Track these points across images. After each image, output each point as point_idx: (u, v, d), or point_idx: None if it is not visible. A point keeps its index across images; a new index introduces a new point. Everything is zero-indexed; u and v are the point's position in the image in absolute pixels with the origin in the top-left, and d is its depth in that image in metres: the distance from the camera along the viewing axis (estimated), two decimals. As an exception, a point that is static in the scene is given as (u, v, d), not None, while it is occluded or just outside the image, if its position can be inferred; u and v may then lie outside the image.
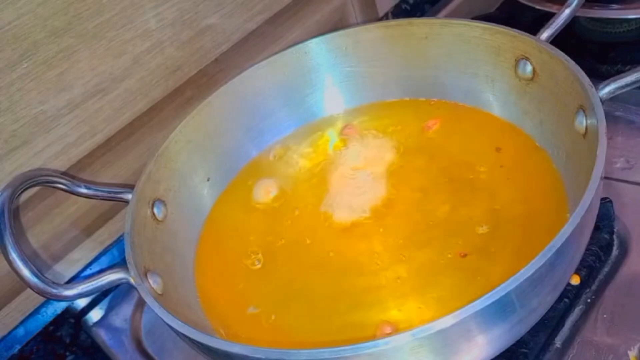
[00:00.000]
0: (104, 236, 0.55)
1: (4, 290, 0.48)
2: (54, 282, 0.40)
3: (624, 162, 0.54)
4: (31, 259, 0.40)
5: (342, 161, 0.57)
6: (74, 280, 0.53)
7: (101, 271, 0.42)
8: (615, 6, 0.62)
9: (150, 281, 0.43)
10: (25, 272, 0.39)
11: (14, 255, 0.39)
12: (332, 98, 0.61)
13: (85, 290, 0.41)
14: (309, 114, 0.61)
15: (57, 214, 0.50)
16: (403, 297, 0.44)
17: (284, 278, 0.49)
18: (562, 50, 0.47)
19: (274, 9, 0.61)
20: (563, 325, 0.44)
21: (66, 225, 0.52)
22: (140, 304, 0.55)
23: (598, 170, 0.37)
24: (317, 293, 0.47)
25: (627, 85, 0.42)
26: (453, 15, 0.79)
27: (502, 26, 0.52)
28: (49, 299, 0.47)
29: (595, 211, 0.39)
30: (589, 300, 0.45)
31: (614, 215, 0.48)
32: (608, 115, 0.40)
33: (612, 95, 0.42)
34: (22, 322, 0.51)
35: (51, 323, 0.52)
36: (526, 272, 0.32)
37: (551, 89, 0.49)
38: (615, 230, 0.48)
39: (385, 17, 0.74)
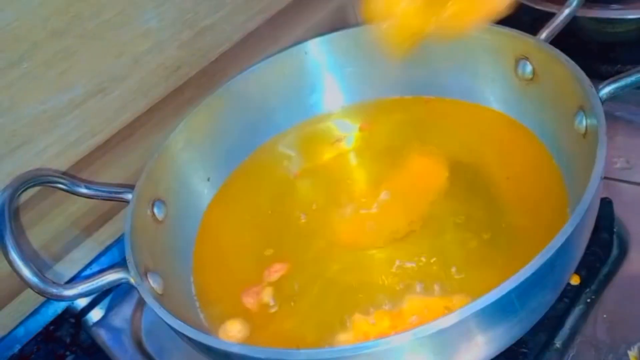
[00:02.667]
0: (104, 236, 0.55)
1: (4, 290, 0.49)
2: (54, 282, 0.40)
3: (623, 162, 0.54)
4: (31, 259, 0.40)
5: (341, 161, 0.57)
6: (74, 280, 0.53)
7: (101, 271, 0.42)
8: (615, 6, 0.62)
9: (151, 281, 0.43)
10: (26, 272, 0.39)
11: (14, 256, 0.39)
12: (332, 98, 0.61)
13: (85, 290, 0.41)
14: (309, 114, 0.61)
15: (57, 214, 0.51)
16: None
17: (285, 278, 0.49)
18: (562, 50, 0.47)
19: (274, 9, 0.61)
20: (563, 325, 0.44)
21: (66, 225, 0.52)
22: (141, 304, 0.55)
23: (598, 170, 0.37)
24: (320, 291, 0.47)
25: (627, 85, 0.42)
26: (453, 15, 0.79)
27: (502, 26, 0.52)
28: (49, 299, 0.47)
29: (595, 211, 0.39)
30: (588, 300, 0.45)
31: (614, 215, 0.48)
32: (608, 116, 0.40)
33: (612, 96, 0.42)
34: (22, 322, 0.51)
35: (51, 323, 0.52)
36: (526, 272, 0.32)
37: (551, 89, 0.49)
38: (615, 230, 0.48)
39: (385, 17, 0.74)
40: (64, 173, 0.50)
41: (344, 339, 0.42)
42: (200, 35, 0.55)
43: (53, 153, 0.49)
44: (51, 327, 0.52)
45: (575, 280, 0.45)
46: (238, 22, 0.58)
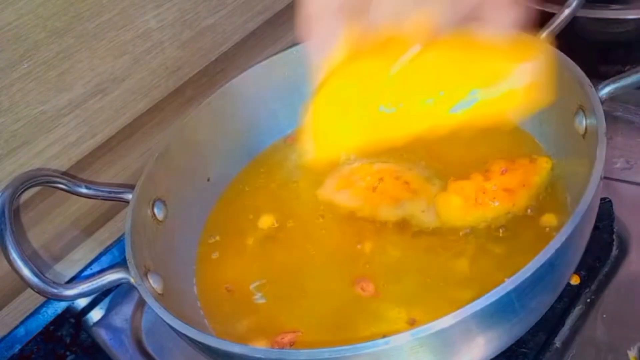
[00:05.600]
0: (105, 236, 0.55)
1: (4, 290, 0.49)
2: (54, 282, 0.40)
3: (623, 162, 0.54)
4: (32, 259, 0.40)
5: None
6: (74, 280, 0.53)
7: (102, 271, 0.42)
8: (615, 6, 0.62)
9: (151, 281, 0.43)
10: (26, 272, 0.39)
11: (14, 255, 0.39)
12: (332, 98, 0.61)
13: (85, 290, 0.41)
14: (309, 114, 0.61)
15: (57, 214, 0.51)
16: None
17: (284, 278, 0.49)
18: (561, 50, 0.47)
19: (274, 9, 0.61)
20: (563, 325, 0.44)
21: (66, 225, 0.52)
22: (141, 303, 0.55)
23: (598, 170, 0.37)
24: (318, 291, 0.47)
25: (626, 85, 0.42)
26: (453, 15, 0.79)
27: (502, 26, 0.52)
28: (50, 298, 0.47)
29: (595, 211, 0.39)
30: (588, 300, 0.45)
31: (614, 215, 0.48)
32: (608, 116, 0.40)
33: (611, 96, 0.42)
34: (22, 322, 0.51)
35: (51, 323, 0.52)
36: (526, 272, 0.32)
37: (551, 89, 0.49)
38: (614, 230, 0.48)
39: (385, 17, 0.74)
40: (64, 173, 0.50)
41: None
42: (200, 35, 0.55)
43: (53, 153, 0.49)
44: (51, 327, 0.52)
45: (575, 280, 0.45)
46: (238, 22, 0.58)
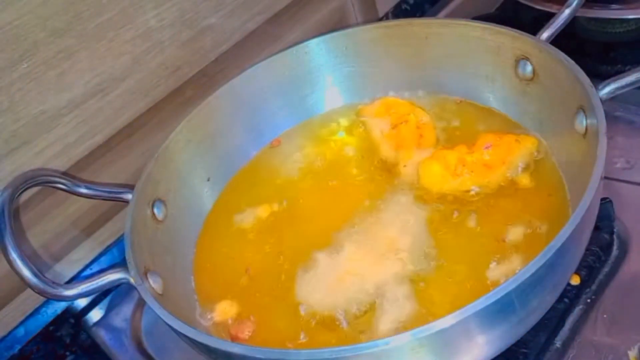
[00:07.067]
0: (104, 236, 0.55)
1: (4, 291, 0.49)
2: (54, 282, 0.40)
3: (624, 162, 0.54)
4: (31, 259, 0.40)
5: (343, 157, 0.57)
6: (74, 280, 0.53)
7: (101, 271, 0.42)
8: (615, 6, 0.62)
9: (151, 281, 0.43)
10: (26, 272, 0.39)
11: (14, 256, 0.39)
12: (332, 98, 0.61)
13: (85, 290, 0.41)
14: (309, 114, 0.61)
15: (57, 214, 0.51)
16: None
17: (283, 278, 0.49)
18: (562, 50, 0.47)
19: (274, 9, 0.61)
20: (563, 325, 0.44)
21: (66, 225, 0.52)
22: (141, 303, 0.55)
23: (598, 170, 0.37)
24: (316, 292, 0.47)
25: (627, 85, 0.42)
26: (453, 15, 0.79)
27: (502, 26, 0.52)
28: (49, 299, 0.47)
29: (595, 211, 0.39)
30: (589, 300, 0.45)
31: (614, 215, 0.48)
32: (608, 115, 0.40)
33: (612, 95, 0.42)
34: (22, 322, 0.51)
35: (51, 323, 0.52)
36: (526, 272, 0.32)
37: (551, 89, 0.49)
38: (615, 230, 0.49)
39: (385, 17, 0.74)
40: (64, 173, 0.50)
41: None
42: (200, 35, 0.55)
43: (53, 153, 0.49)
44: (51, 327, 0.52)
45: (575, 280, 0.45)
46: (238, 22, 0.58)
